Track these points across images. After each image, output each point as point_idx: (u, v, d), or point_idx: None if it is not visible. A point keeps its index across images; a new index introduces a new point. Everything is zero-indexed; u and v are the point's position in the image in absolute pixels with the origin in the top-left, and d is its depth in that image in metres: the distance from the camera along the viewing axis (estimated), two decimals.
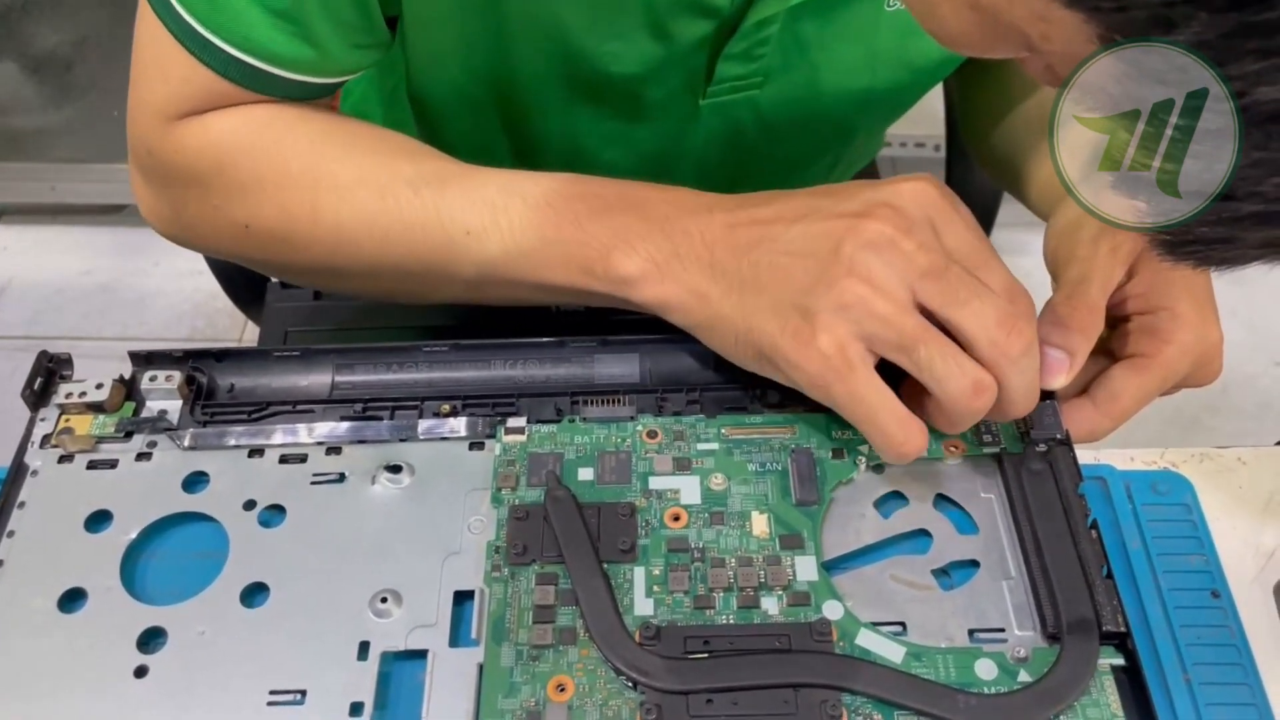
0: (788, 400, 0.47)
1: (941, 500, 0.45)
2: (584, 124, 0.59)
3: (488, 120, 0.60)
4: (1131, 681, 0.39)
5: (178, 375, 0.47)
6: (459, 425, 0.46)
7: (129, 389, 0.47)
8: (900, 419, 0.40)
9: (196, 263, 0.80)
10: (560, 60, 0.54)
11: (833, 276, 0.40)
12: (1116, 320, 0.47)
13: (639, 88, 0.56)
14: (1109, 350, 0.47)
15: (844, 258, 0.40)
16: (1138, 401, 0.45)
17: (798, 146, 0.63)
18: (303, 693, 0.38)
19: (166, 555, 0.43)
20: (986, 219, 0.85)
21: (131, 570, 0.42)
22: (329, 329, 0.67)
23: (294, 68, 0.49)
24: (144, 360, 0.48)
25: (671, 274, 0.44)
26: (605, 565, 0.41)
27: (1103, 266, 0.45)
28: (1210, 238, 0.29)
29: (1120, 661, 0.39)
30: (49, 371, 0.47)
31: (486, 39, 0.54)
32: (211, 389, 0.48)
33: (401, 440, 0.46)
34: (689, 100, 0.57)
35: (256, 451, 0.45)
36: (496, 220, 0.46)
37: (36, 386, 0.46)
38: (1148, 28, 0.25)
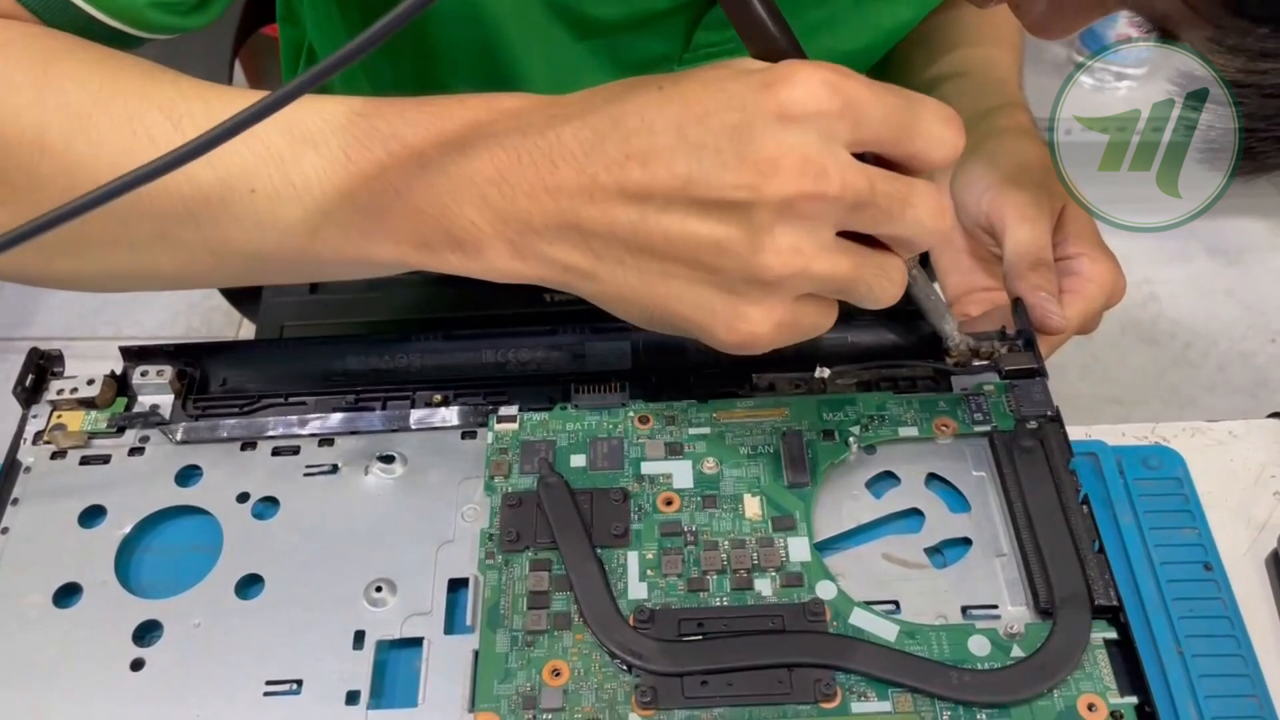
0: (779, 383, 0.47)
1: (933, 479, 0.45)
2: (561, 75, 0.55)
3: (465, 63, 0.56)
4: (1124, 655, 0.39)
5: (169, 370, 0.47)
6: (451, 414, 0.46)
7: (120, 384, 0.47)
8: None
9: None
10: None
11: (753, 253, 0.35)
12: None
13: (617, 41, 0.54)
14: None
15: (761, 229, 0.34)
16: (1070, 333, 0.50)
17: None
18: (299, 682, 0.38)
19: (161, 549, 0.43)
20: None
21: (126, 564, 0.42)
22: (325, 322, 0.68)
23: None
24: (135, 355, 0.48)
25: (531, 249, 0.36)
26: (599, 550, 0.41)
27: (1049, 228, 0.51)
28: None
29: (1113, 635, 0.39)
30: (40, 368, 0.47)
31: None
32: (203, 383, 0.48)
33: (394, 430, 0.46)
34: (665, 67, 0.57)
35: (249, 444, 0.46)
36: (288, 176, 0.36)
37: (28, 383, 0.46)
38: None
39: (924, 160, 0.36)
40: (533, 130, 0.35)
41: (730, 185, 0.34)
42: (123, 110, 0.37)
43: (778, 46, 0.37)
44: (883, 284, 0.37)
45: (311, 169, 0.36)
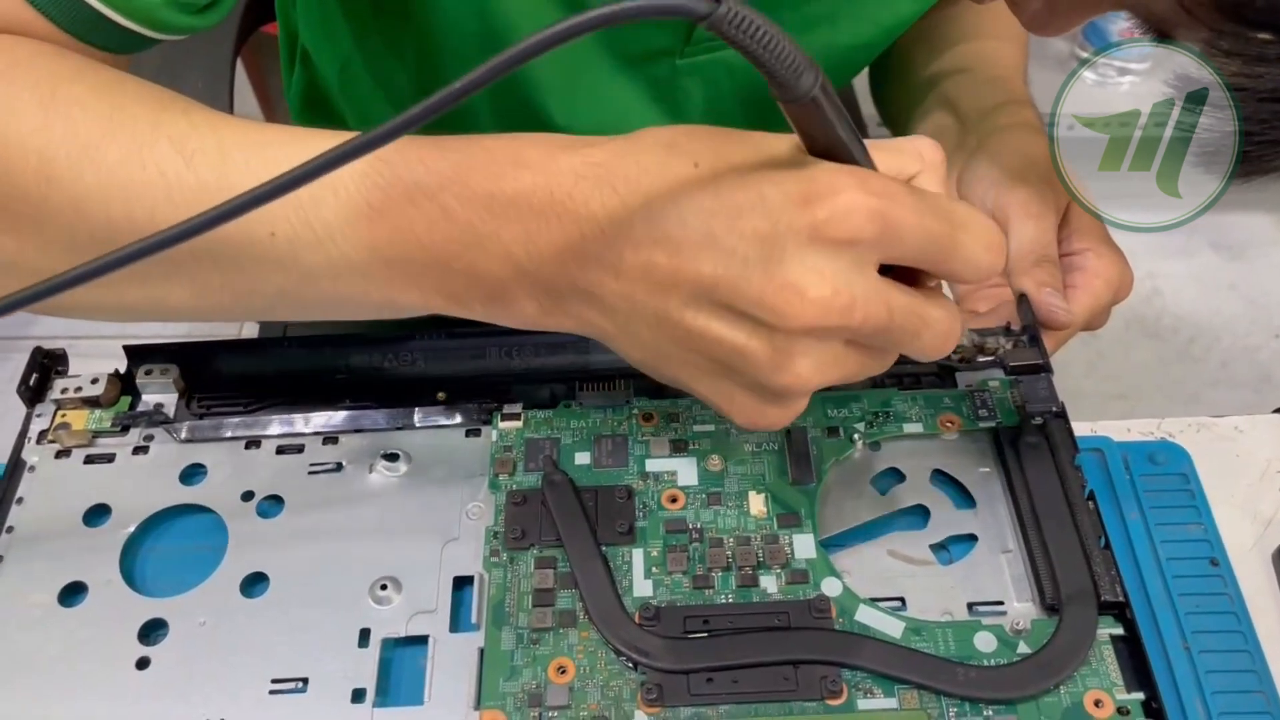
0: None
1: (938, 476, 0.45)
2: (567, 69, 0.55)
3: (472, 59, 0.56)
4: (1131, 651, 0.39)
5: (173, 368, 0.47)
6: (455, 413, 0.46)
7: (125, 383, 0.47)
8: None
9: None
10: None
11: (773, 370, 0.34)
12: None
13: (620, 33, 0.54)
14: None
15: (780, 350, 0.34)
16: (1077, 328, 0.50)
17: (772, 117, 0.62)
18: (304, 681, 0.38)
19: (166, 548, 0.43)
20: None
21: (131, 563, 0.42)
22: (328, 320, 0.68)
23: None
24: (139, 354, 0.48)
25: (558, 307, 0.36)
26: (603, 548, 0.41)
27: (1054, 224, 0.51)
28: None
29: (1119, 631, 0.39)
30: (44, 367, 0.47)
31: None
32: (207, 381, 0.48)
33: (398, 429, 0.46)
34: (667, 63, 0.57)
35: (253, 443, 0.46)
36: (308, 221, 0.35)
37: (32, 382, 0.46)
38: None
39: (955, 280, 0.35)
40: (559, 190, 0.34)
41: (753, 303, 0.33)
42: (132, 141, 0.36)
43: (835, 150, 0.33)
44: (876, 370, 0.37)
45: (332, 215, 0.35)
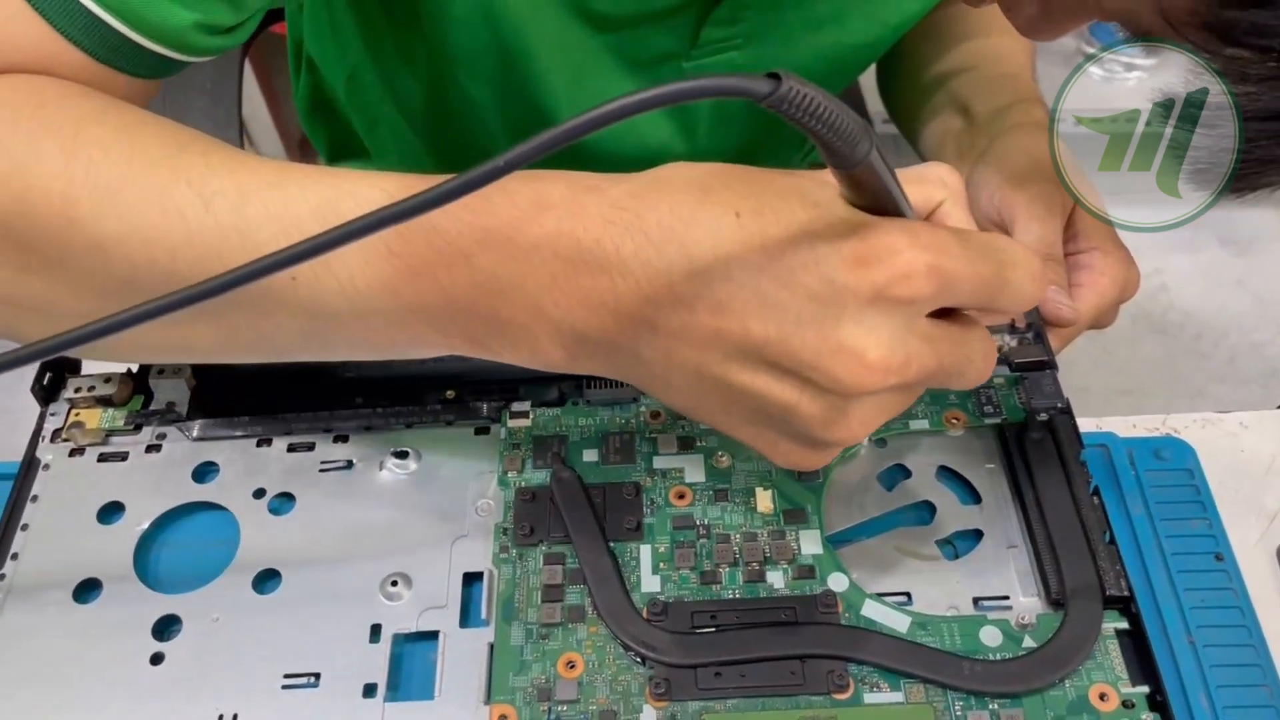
0: None
1: (944, 472, 0.45)
2: (575, 74, 0.56)
3: (481, 64, 0.56)
4: (1136, 645, 0.39)
5: (185, 367, 0.48)
6: (464, 411, 0.47)
7: (137, 382, 0.48)
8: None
9: None
10: None
11: (824, 426, 0.33)
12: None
13: (626, 37, 0.54)
14: None
15: (833, 407, 0.33)
16: (1083, 326, 0.50)
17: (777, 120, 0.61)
18: (316, 675, 0.39)
19: (179, 545, 0.44)
20: None
21: (145, 560, 0.43)
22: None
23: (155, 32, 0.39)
24: None
25: (585, 354, 0.35)
26: (612, 544, 0.42)
27: (1059, 224, 0.51)
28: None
29: (1124, 625, 0.39)
30: (57, 367, 0.48)
31: None
32: (219, 379, 0.49)
33: (408, 426, 0.47)
34: (674, 66, 0.57)
35: (264, 441, 0.46)
36: (329, 266, 0.34)
37: (45, 382, 0.47)
38: None
39: (1001, 313, 0.36)
40: (587, 236, 0.32)
41: (807, 365, 0.32)
42: (152, 184, 0.35)
43: (881, 204, 0.33)
44: (913, 400, 0.37)
45: (353, 260, 0.34)
